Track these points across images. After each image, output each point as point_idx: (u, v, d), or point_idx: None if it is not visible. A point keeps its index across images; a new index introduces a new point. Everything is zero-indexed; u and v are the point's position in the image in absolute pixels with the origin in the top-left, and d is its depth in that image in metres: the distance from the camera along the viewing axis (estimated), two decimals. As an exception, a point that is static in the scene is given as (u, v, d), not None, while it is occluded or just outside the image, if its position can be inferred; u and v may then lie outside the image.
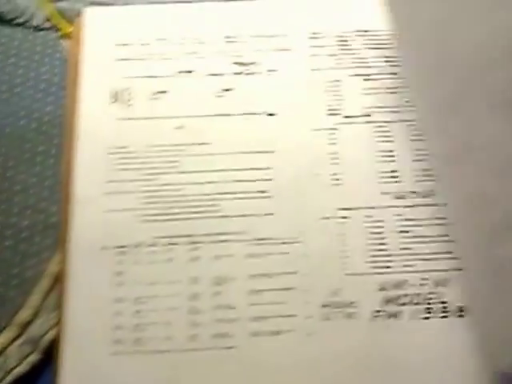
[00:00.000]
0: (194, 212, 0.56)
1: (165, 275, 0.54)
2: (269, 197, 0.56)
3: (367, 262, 0.54)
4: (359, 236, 0.55)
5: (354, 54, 0.62)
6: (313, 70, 0.61)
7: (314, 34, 0.62)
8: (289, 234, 0.55)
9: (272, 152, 0.58)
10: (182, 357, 0.52)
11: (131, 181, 0.57)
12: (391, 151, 0.58)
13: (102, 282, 0.54)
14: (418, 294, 0.53)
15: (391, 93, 0.60)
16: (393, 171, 0.57)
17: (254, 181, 0.57)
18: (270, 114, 0.59)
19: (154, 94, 0.60)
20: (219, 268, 0.54)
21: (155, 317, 0.53)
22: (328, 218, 0.56)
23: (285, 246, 0.55)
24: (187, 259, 0.54)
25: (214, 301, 0.53)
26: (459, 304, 0.52)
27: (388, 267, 0.54)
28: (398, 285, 0.53)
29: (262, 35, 0.62)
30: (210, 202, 0.56)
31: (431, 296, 0.53)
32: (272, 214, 0.56)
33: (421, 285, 0.53)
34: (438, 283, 0.53)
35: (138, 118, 0.59)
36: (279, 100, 0.60)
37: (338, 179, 0.57)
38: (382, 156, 0.58)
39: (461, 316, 0.52)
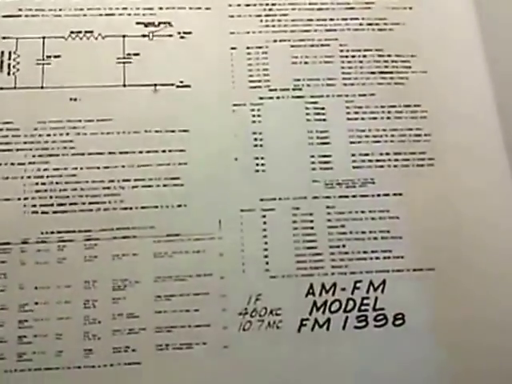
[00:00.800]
0: (90, 203, 0.47)
1: (55, 278, 0.45)
2: (181, 185, 0.48)
3: (293, 262, 0.47)
4: (284, 231, 0.48)
5: (282, 14, 0.53)
6: (232, 33, 0.52)
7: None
8: (203, 228, 0.47)
9: (185, 131, 0.49)
10: (75, 375, 0.44)
11: (15, 164, 0.47)
12: (324, 132, 0.50)
13: (-23, 287, 0.45)
14: (351, 300, 0.47)
15: (325, 62, 0.52)
16: (325, 156, 0.50)
17: (164, 165, 0.48)
18: (183, 86, 0.50)
19: (43, 58, 0.50)
20: (120, 269, 0.46)
21: (43, 328, 0.44)
22: (249, 210, 0.48)
23: (198, 242, 0.47)
24: (82, 259, 0.46)
25: (113, 308, 0.45)
26: (398, 311, 0.46)
27: (317, 268, 0.47)
28: (328, 288, 0.47)
29: (176, -12, 0.53)
30: (110, 191, 0.47)
31: (366, 302, 0.47)
32: (184, 206, 0.48)
33: (354, 288, 0.47)
34: (373, 287, 0.47)
35: (23, 88, 0.49)
36: (193, 69, 0.51)
37: (261, 164, 0.49)
38: (314, 138, 0.50)
39: (399, 325, 0.46)
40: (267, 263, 0.47)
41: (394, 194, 0.49)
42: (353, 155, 0.50)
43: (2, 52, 0.50)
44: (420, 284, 0.47)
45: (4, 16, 0.50)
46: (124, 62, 0.50)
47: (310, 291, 0.47)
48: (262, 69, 0.51)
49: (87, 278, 0.45)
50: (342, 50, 0.52)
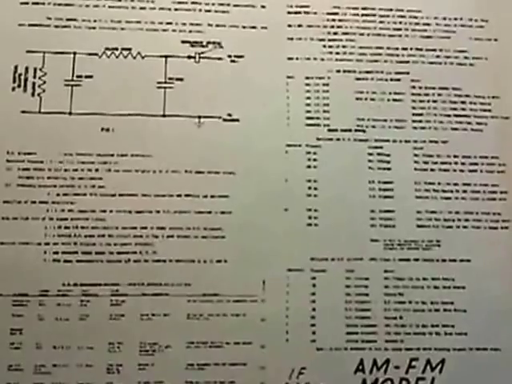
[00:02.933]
0: (119, 252, 0.41)
1: (77, 337, 0.40)
2: (222, 237, 0.42)
3: (343, 333, 0.42)
4: (335, 297, 0.42)
5: (348, 40, 0.46)
6: (290, 58, 0.45)
7: (294, 7, 0.46)
8: (245, 289, 0.42)
9: (231, 173, 0.43)
10: None
11: (37, 202, 0.42)
12: (388, 183, 0.44)
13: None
14: (404, 380, 0.41)
15: (394, 100, 0.45)
16: (387, 211, 0.43)
17: (204, 213, 0.42)
18: (231, 120, 0.44)
19: (72, 78, 0.43)
20: (149, 331, 0.41)
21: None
22: (297, 269, 0.42)
23: (238, 305, 0.41)
24: (107, 317, 0.41)
25: (139, 375, 0.40)
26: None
27: (369, 341, 0.42)
28: (380, 365, 0.41)
29: (227, 2, 0.46)
30: (142, 240, 0.42)
31: (421, 383, 0.41)
32: (225, 261, 0.42)
33: (409, 367, 0.42)
34: (430, 366, 0.42)
35: (49, 113, 0.43)
36: (244, 100, 0.44)
37: (313, 217, 0.43)
38: (375, 189, 0.44)
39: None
40: (314, 333, 0.41)
41: (462, 260, 0.43)
42: (418, 212, 0.44)
43: (27, 68, 0.43)
44: (484, 365, 0.42)
45: (30, 25, 0.44)
46: (165, 88, 0.44)
47: (360, 367, 0.41)
48: (322, 104, 0.45)
49: (112, 340, 0.40)
50: (413, 87, 0.45)
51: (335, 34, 0.46)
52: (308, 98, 0.45)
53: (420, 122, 0.45)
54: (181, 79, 0.44)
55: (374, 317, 0.42)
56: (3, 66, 0.43)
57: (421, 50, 0.46)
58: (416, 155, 0.44)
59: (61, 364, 0.40)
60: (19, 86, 0.43)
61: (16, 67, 0.43)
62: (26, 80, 0.43)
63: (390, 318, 0.42)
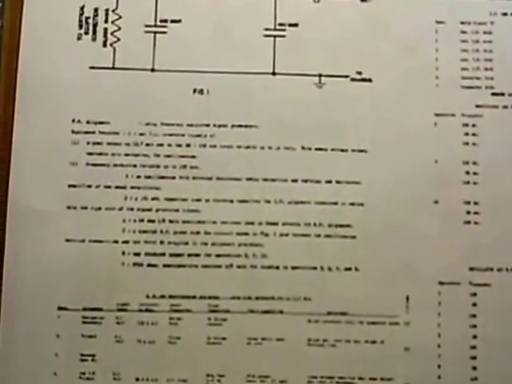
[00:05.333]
0: (218, 255, 0.32)
1: (164, 366, 0.31)
2: (353, 237, 0.32)
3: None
4: (503, 320, 0.32)
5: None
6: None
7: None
8: (382, 307, 0.32)
9: (363, 152, 0.33)
10: None
11: (111, 187, 0.32)
12: None
13: (47, 366, 0.31)
14: None
15: None
16: None
17: (328, 204, 0.32)
18: (361, 79, 0.33)
19: (155, 24, 0.33)
20: (257, 361, 0.31)
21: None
22: (451, 283, 0.32)
23: (374, 328, 0.31)
24: (204, 340, 0.31)
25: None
26: None
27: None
28: None
29: None
30: (248, 239, 0.32)
31: None
32: (356, 270, 0.32)
33: None
34: None
35: (125, 69, 0.33)
36: (378, 52, 0.33)
37: (473, 212, 0.32)
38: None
39: None
40: (474, 368, 0.31)
41: None
42: None
43: (96, 10, 0.33)
44: None
45: (100, -48, 0.33)
46: (275, 36, 0.33)
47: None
48: (483, 58, 0.33)
49: (210, 371, 0.31)
50: None
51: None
52: (464, 50, 0.34)
53: None
54: (295, 25, 0.33)
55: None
56: (65, 6, 0.33)
57: None
58: None
59: (145, 399, 0.31)
60: (86, 33, 0.33)
61: (82, 8, 0.33)
62: (95, 25, 0.33)
63: None
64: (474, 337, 0.31)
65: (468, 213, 0.32)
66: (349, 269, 0.32)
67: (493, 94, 0.33)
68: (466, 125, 0.33)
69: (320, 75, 0.33)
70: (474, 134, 0.33)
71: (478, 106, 0.33)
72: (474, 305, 0.32)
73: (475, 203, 0.32)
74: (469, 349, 0.31)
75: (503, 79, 0.33)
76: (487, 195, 0.32)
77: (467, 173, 0.33)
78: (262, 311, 0.31)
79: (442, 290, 0.32)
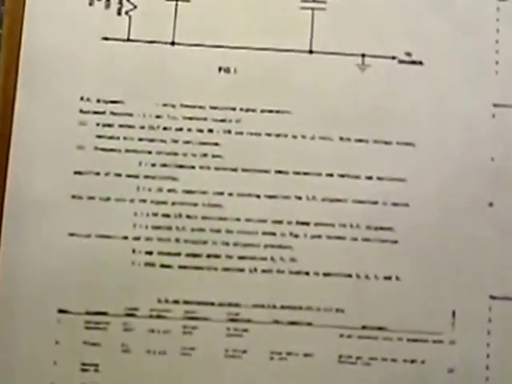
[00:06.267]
0: (241, 257, 0.28)
1: (179, 382, 0.27)
2: (394, 241, 0.28)
3: None
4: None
5: None
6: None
7: None
8: (424, 322, 0.28)
9: (410, 145, 0.29)
10: None
11: (122, 176, 0.28)
12: None
13: (45, 375, 0.27)
14: None
15: None
16: None
17: (368, 204, 0.28)
18: (410, 62, 0.29)
19: (180, -9, 0.29)
20: (283, 379, 0.27)
21: None
22: (506, 298, 0.28)
23: (414, 346, 0.28)
24: (221, 353, 0.27)
25: None
26: None
27: None
28: None
29: None
30: (274, 240, 0.28)
31: None
32: (397, 279, 0.28)
33: None
34: None
35: (142, 41, 0.29)
36: (429, 31, 0.29)
37: (534, 219, 0.28)
38: None
39: None
40: (527, 395, 0.28)
41: None
42: None
43: (111, -28, 0.29)
44: None
45: None
46: (312, 9, 0.29)
47: None
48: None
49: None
50: None
51: None
52: (529, 31, 0.29)
53: None
54: (336, -4, 0.29)
55: None
56: (76, -33, 0.29)
57: None
58: None
59: (154, 418, 0.27)
60: (99, -2, 0.29)
61: (95, -30, 0.29)
62: (108, -10, 0.29)
63: None
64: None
65: (527, 218, 0.28)
66: (388, 278, 0.28)
67: (560, 83, 0.29)
68: (529, 118, 0.29)
69: (363, 55, 0.29)
70: (537, 135, 0.29)
71: (542, 97, 0.29)
72: (531, 323, 0.28)
73: (536, 207, 0.28)
74: (522, 374, 0.28)
75: None
76: (550, 199, 0.28)
77: (528, 172, 0.29)
78: (288, 322, 0.28)
79: (494, 306, 0.28)
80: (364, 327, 0.28)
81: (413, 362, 0.28)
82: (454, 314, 0.28)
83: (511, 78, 0.29)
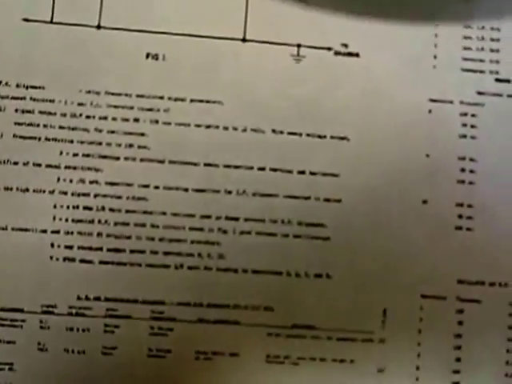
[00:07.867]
0: (166, 253, 0.27)
1: (94, 379, 0.26)
2: (326, 238, 0.27)
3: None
4: (492, 342, 0.28)
5: None
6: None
7: None
8: (356, 321, 0.27)
9: (344, 139, 0.28)
10: None
11: (42, 166, 0.27)
12: None
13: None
14: None
15: None
16: None
17: (300, 199, 0.27)
18: (347, 54, 0.28)
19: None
20: (210, 379, 0.26)
21: None
22: (437, 297, 0.28)
23: (345, 345, 0.27)
24: (145, 353, 0.26)
25: None
26: None
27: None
28: None
29: None
30: (203, 235, 0.27)
31: None
32: (328, 277, 0.27)
33: None
34: None
35: (65, 24, 0.27)
36: (366, 24, 0.28)
37: (466, 217, 0.28)
38: None
39: None
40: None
41: None
42: None
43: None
44: None
45: None
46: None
47: None
48: (489, 38, 0.29)
49: (150, 388, 0.26)
50: None
51: None
52: (467, 26, 0.29)
53: None
54: (273, -17, 0.28)
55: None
56: None
57: None
58: None
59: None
60: (20, -24, 0.27)
61: None
62: (31, -32, 0.27)
63: None
64: (458, 360, 0.27)
65: (460, 217, 0.28)
66: (319, 275, 0.27)
67: (497, 80, 0.29)
68: (465, 114, 0.28)
69: (299, 45, 0.28)
70: (472, 126, 0.28)
71: (479, 93, 0.28)
72: (460, 323, 0.27)
73: (469, 206, 0.28)
74: (451, 373, 0.27)
75: (510, 63, 0.29)
76: (483, 198, 0.28)
77: (462, 170, 0.28)
78: (215, 321, 0.27)
79: (425, 305, 0.27)
80: (293, 326, 0.27)
81: (341, 361, 0.27)
82: (384, 312, 0.27)
83: (449, 73, 0.28)
